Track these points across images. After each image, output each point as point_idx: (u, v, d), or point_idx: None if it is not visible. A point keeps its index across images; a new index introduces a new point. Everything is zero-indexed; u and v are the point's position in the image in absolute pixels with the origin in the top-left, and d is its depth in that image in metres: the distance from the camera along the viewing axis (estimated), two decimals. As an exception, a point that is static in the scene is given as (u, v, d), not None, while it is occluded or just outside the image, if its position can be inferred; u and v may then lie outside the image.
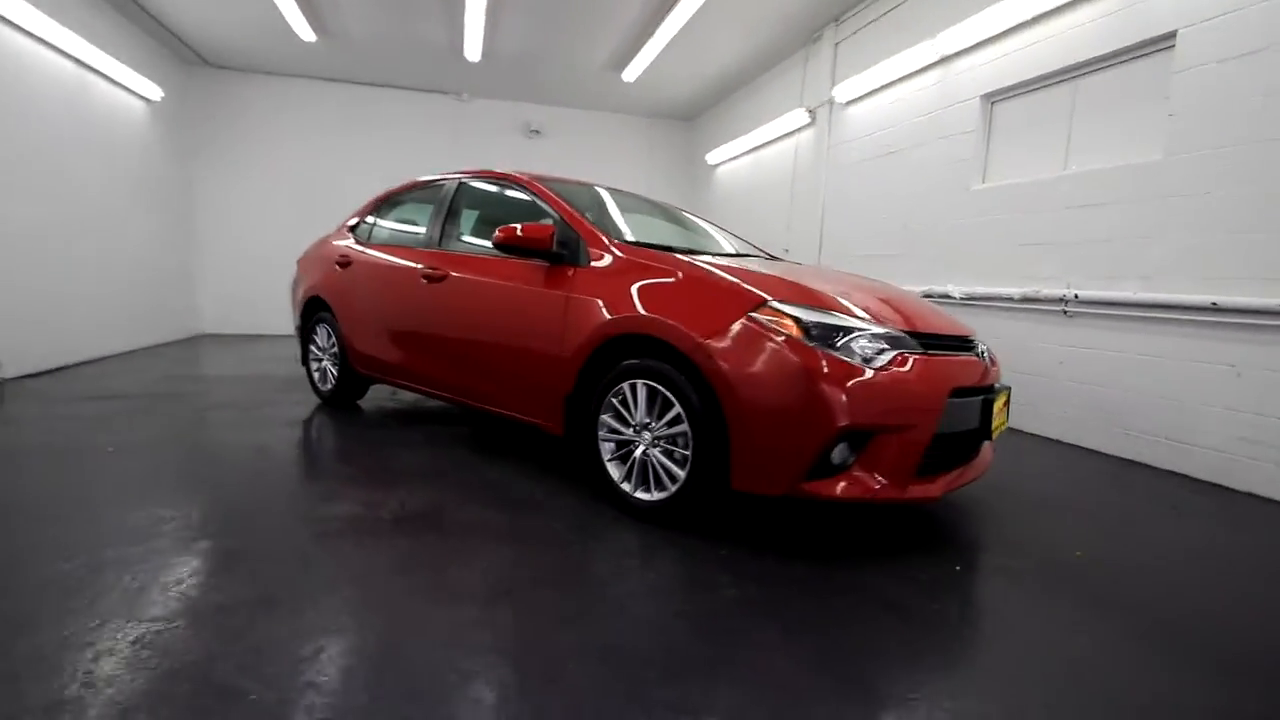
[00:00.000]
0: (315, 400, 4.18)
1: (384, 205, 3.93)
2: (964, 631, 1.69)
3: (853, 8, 5.74)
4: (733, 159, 8.34)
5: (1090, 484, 3.11)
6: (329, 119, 8.30)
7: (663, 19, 5.91)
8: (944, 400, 2.04)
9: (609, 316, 2.34)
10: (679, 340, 2.12)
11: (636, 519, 2.29)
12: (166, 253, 7.21)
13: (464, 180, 3.40)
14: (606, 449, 2.40)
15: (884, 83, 5.32)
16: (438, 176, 3.62)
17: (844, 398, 1.90)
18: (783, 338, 1.96)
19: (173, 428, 3.35)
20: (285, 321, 8.39)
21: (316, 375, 4.17)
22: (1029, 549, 2.24)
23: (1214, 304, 3.02)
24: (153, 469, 2.68)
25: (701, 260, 2.39)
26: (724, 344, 2.03)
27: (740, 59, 7.19)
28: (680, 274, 2.28)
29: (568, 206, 2.77)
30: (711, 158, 8.71)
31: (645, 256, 2.44)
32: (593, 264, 2.51)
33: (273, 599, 1.61)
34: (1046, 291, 3.88)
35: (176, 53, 7.26)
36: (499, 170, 3.31)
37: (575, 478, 2.79)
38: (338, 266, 3.87)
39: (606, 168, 9.05)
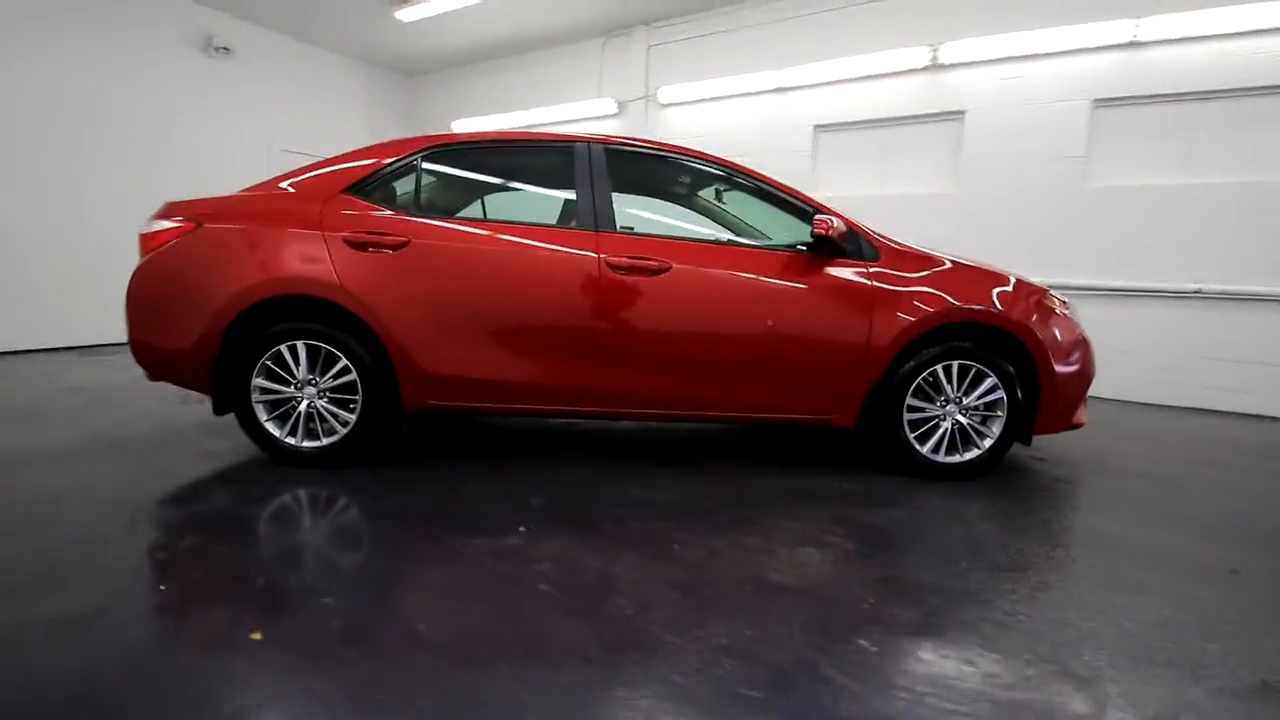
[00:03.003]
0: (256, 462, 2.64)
1: (430, 161, 2.75)
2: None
3: (669, 18, 6.38)
4: (496, 133, 7.88)
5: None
6: None
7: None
8: (1089, 352, 3.18)
9: (936, 307, 2.63)
10: (1007, 323, 2.65)
11: (936, 480, 2.72)
12: None
13: (612, 148, 2.81)
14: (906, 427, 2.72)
15: (717, 95, 6.21)
16: (546, 136, 2.86)
17: (1093, 356, 2.84)
18: (1069, 317, 2.75)
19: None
20: None
21: (275, 427, 2.59)
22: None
23: (998, 284, 5.09)
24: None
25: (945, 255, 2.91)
26: (1039, 325, 2.68)
27: (520, 31, 6.91)
28: (974, 268, 2.78)
29: (816, 200, 2.79)
30: (460, 127, 7.98)
31: (912, 251, 2.80)
32: (883, 259, 2.71)
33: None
34: (883, 276, 5.54)
35: None
36: (652, 139, 2.90)
37: (830, 464, 2.93)
38: (369, 250, 2.52)
39: (314, 115, 7.39)
